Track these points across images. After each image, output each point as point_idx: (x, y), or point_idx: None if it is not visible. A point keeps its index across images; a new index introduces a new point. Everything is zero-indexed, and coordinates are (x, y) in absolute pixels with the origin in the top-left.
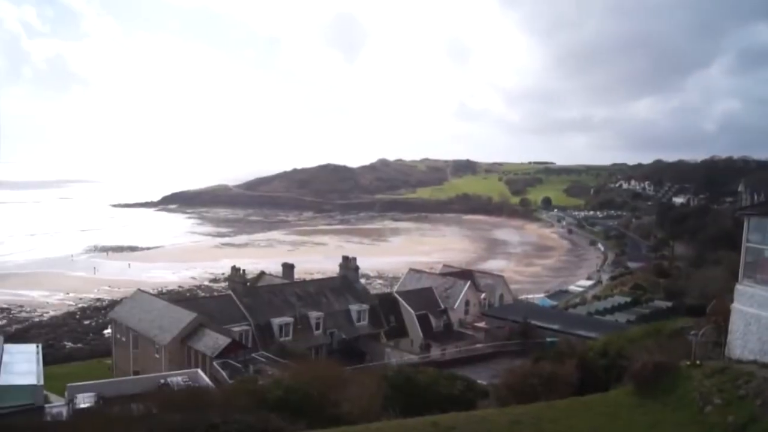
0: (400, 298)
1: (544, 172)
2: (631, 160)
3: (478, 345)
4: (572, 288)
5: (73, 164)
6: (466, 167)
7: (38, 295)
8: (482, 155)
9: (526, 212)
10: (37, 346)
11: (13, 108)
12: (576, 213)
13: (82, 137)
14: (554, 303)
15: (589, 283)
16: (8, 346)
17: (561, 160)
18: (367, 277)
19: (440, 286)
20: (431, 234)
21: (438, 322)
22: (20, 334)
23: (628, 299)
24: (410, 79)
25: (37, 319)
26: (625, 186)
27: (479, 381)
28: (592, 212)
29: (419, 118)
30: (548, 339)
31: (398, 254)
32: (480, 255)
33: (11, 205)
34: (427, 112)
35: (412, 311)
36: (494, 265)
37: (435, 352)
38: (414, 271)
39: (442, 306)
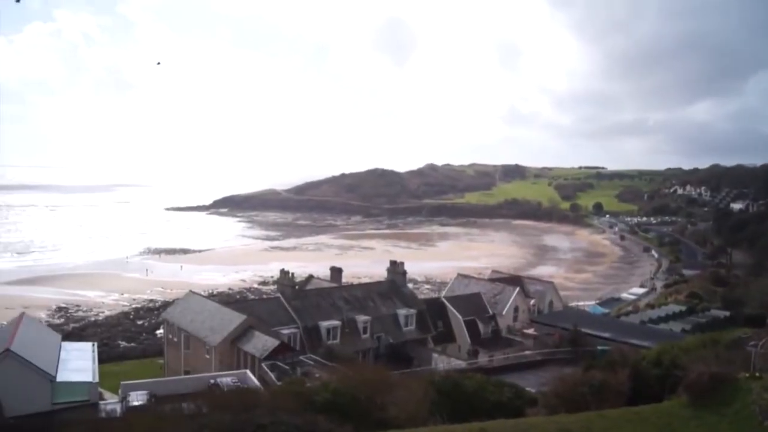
0: (447, 303)
1: (595, 177)
2: (687, 164)
3: (527, 352)
4: (624, 296)
5: (127, 169)
6: (515, 172)
7: (94, 295)
8: (531, 160)
9: (576, 218)
10: (93, 345)
11: (71, 115)
12: (628, 219)
13: (135, 143)
14: (606, 311)
15: (642, 290)
16: (66, 344)
17: (613, 164)
18: (415, 281)
19: (489, 292)
20: (479, 239)
21: (486, 328)
22: (77, 333)
23: (683, 308)
24: (459, 83)
25: (93, 319)
26: (680, 191)
27: (527, 388)
28: (645, 218)
29: (468, 123)
30: (599, 347)
31: (446, 259)
32: (529, 261)
33: (69, 209)
34: (476, 116)
35: (459, 317)
36: (544, 271)
37: (483, 359)
38: (462, 277)
39: (491, 312)
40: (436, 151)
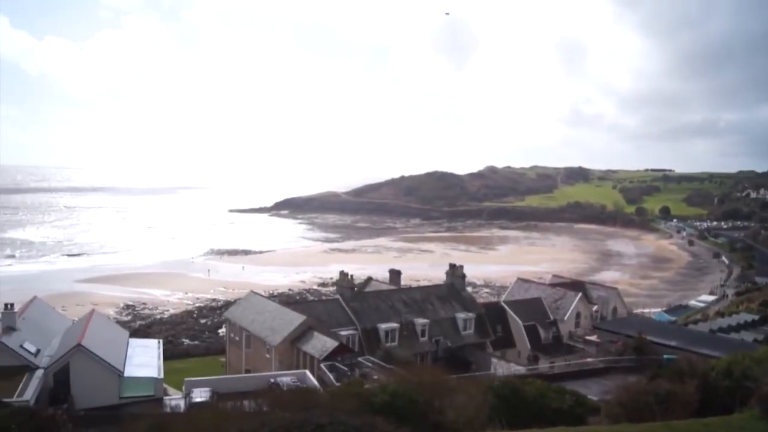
0: (507, 308)
1: (662, 180)
2: (761, 167)
3: (589, 359)
4: (693, 303)
5: (190, 171)
6: (578, 174)
7: (160, 294)
8: (595, 162)
9: (642, 222)
10: (159, 342)
11: (137, 119)
12: (697, 223)
13: (198, 145)
14: (672, 318)
15: (711, 298)
16: (133, 341)
17: (681, 167)
18: (474, 285)
19: (549, 297)
20: (540, 243)
21: (547, 334)
22: (143, 330)
23: (756, 317)
24: (520, 84)
25: (158, 317)
26: (753, 195)
27: (589, 396)
28: (715, 223)
29: (529, 125)
30: (665, 356)
31: (506, 263)
32: (592, 266)
33: (136, 211)
34: (538, 118)
35: (519, 322)
36: (607, 276)
37: (543, 365)
38: (522, 281)
39: (552, 317)
40: (497, 153)
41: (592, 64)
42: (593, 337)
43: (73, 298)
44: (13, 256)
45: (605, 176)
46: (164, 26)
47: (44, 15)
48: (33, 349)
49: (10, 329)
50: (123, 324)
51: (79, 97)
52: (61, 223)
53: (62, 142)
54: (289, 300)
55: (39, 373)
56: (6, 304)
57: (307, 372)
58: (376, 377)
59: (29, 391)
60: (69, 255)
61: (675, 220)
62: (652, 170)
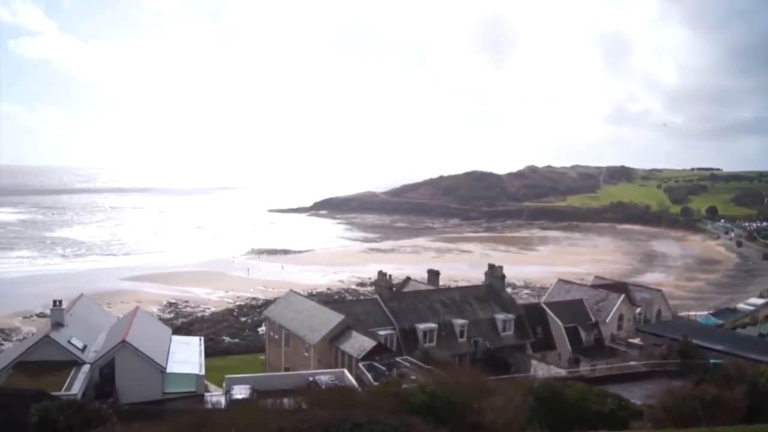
0: (548, 309)
1: (709, 179)
2: None
3: (632, 363)
4: (741, 306)
5: (229, 172)
6: (620, 174)
7: (202, 292)
8: (639, 161)
9: (687, 222)
10: (200, 339)
11: (176, 120)
12: (747, 224)
13: (236, 146)
14: (719, 321)
15: (761, 301)
16: (175, 338)
17: (729, 166)
18: (514, 286)
19: (591, 299)
20: (582, 243)
21: (588, 336)
22: (185, 327)
23: None
24: (561, 82)
25: (199, 314)
26: None
27: (632, 401)
28: (765, 223)
29: (570, 123)
30: (711, 360)
31: (546, 264)
32: (635, 267)
33: (177, 211)
34: (579, 116)
35: (560, 323)
36: (651, 278)
37: (584, 368)
38: (563, 282)
39: (593, 319)
40: (537, 152)
41: (636, 60)
42: (636, 340)
43: (118, 296)
44: (63, 255)
45: (649, 175)
46: (204, 27)
47: (90, 19)
48: (80, 345)
49: (59, 325)
50: (166, 321)
51: (122, 98)
52: (107, 223)
53: (106, 143)
54: (327, 299)
55: (86, 368)
56: (55, 301)
57: (345, 371)
58: (414, 377)
59: (76, 385)
60: (114, 254)
61: (723, 220)
62: (699, 169)
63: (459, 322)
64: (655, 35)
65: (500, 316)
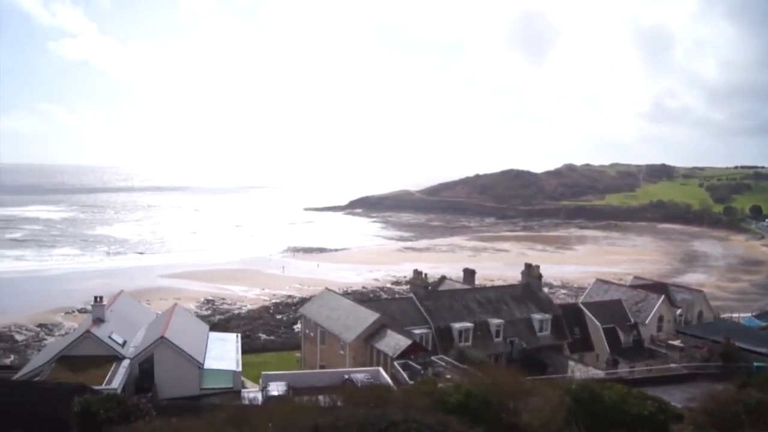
0: (585, 310)
1: (754, 178)
2: None
3: (672, 365)
4: None
5: (263, 171)
6: (661, 172)
7: (238, 289)
8: (680, 159)
9: (730, 222)
10: (237, 336)
11: (212, 120)
12: None
13: (271, 144)
14: (763, 324)
15: None
16: (212, 334)
17: None
18: (551, 285)
19: (630, 299)
20: (620, 243)
21: (627, 338)
22: (222, 324)
23: None
24: (599, 80)
25: (236, 311)
26: None
27: (672, 403)
28: None
29: (608, 121)
30: (755, 363)
31: (584, 263)
32: (676, 267)
33: (213, 209)
34: (617, 114)
35: (598, 324)
36: (692, 278)
37: (623, 369)
38: (601, 282)
39: (632, 320)
40: (574, 150)
41: (677, 56)
42: (677, 342)
43: (157, 293)
44: (104, 253)
45: (691, 174)
46: (240, 27)
47: (128, 21)
48: (120, 340)
49: (100, 321)
50: (203, 318)
51: (159, 98)
52: (146, 222)
53: (143, 142)
54: (362, 298)
55: (125, 363)
56: (96, 297)
57: (381, 369)
58: (449, 377)
59: (117, 379)
60: (153, 252)
61: (767, 219)
62: (743, 167)
63: (495, 321)
64: (697, 30)
65: (537, 316)
